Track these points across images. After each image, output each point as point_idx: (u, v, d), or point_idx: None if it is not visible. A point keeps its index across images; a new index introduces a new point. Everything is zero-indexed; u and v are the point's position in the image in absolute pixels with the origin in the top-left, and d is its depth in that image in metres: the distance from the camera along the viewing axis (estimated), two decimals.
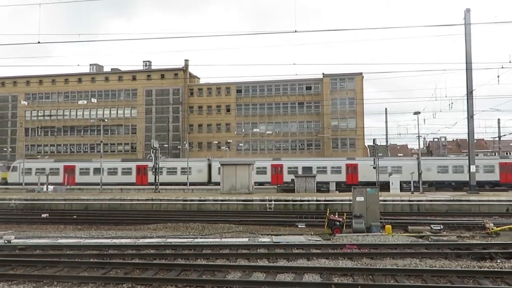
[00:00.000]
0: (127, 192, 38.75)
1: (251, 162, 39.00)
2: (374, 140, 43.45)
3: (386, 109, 68.50)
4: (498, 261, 11.52)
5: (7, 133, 78.49)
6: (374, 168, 39.92)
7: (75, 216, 24.21)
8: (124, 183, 47.01)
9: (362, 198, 17.26)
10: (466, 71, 33.31)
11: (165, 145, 66.57)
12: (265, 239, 15.30)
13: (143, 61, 77.46)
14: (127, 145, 74.57)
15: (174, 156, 67.55)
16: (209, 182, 48.33)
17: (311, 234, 16.68)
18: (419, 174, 36.63)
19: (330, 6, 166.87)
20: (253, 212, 25.82)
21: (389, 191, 35.19)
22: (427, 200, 26.54)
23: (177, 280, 9.58)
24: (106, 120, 61.55)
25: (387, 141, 66.66)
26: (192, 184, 45.27)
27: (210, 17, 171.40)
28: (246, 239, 15.46)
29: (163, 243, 14.40)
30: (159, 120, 73.74)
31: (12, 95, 78.01)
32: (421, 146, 57.72)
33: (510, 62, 27.06)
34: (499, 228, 16.73)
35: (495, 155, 69.41)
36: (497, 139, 63.52)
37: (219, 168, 45.47)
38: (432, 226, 17.27)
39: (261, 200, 27.68)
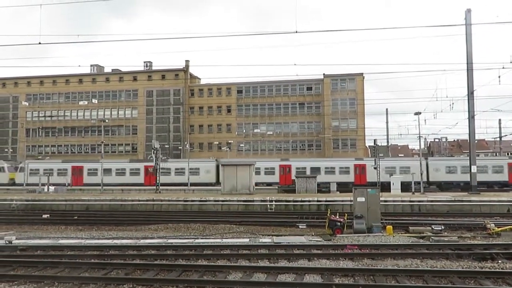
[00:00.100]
0: (128, 193, 38.74)
1: (252, 162, 38.98)
2: (375, 140, 43.41)
3: (387, 109, 68.59)
4: (499, 261, 11.50)
5: (8, 134, 78.57)
6: (375, 168, 39.88)
7: (76, 217, 24.24)
8: (132, 184, 46.90)
9: (363, 199, 17.25)
10: (467, 72, 33.29)
11: (165, 146, 66.59)
12: (266, 240, 15.29)
13: (144, 62, 77.54)
14: (128, 145, 74.61)
15: (175, 157, 67.56)
16: (217, 182, 48.20)
17: (312, 235, 16.68)
18: (421, 175, 36.56)
19: (330, 6, 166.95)
20: (254, 212, 25.82)
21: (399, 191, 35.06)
22: (428, 201, 26.51)
23: (178, 281, 9.58)
24: (106, 120, 61.61)
25: (388, 142, 66.65)
26: (200, 184, 45.20)
27: (210, 18, 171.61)
28: (247, 240, 15.45)
29: (164, 244, 14.41)
30: (159, 120, 73.77)
31: (13, 95, 78.10)
32: (422, 146, 57.61)
33: (511, 62, 27.03)
34: (500, 229, 16.71)
35: (496, 155, 69.33)
36: (498, 139, 63.52)
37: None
38: (433, 226, 17.25)
39: (262, 201, 27.67)
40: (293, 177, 45.83)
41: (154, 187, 42.47)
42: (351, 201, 21.64)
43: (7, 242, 14.35)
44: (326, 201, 27.03)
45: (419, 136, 40.61)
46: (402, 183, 40.48)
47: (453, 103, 37.69)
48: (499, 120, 62.88)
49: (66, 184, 46.35)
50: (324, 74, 69.74)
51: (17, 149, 76.07)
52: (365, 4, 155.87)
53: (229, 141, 68.46)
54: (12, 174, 52.57)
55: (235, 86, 72.45)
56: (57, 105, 77.00)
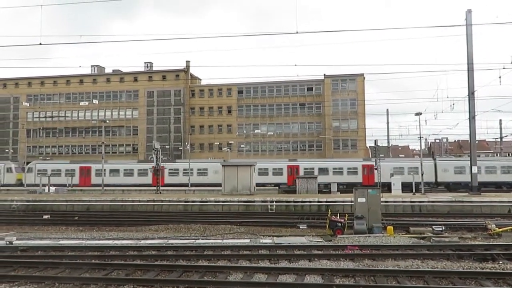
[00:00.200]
0: (129, 193, 38.76)
1: (253, 163, 38.99)
2: (375, 141, 43.37)
3: (387, 110, 68.64)
4: (500, 262, 11.49)
5: (8, 135, 78.63)
6: (376, 169, 39.85)
7: (77, 218, 24.24)
8: (140, 184, 46.84)
9: (363, 199, 17.24)
10: (468, 72, 33.29)
11: (166, 147, 66.60)
12: (267, 240, 15.28)
13: (145, 62, 77.59)
14: (129, 146, 74.64)
15: (176, 158, 67.57)
16: None
17: (313, 235, 16.67)
18: (421, 175, 36.54)
19: (331, 7, 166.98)
20: (254, 213, 25.81)
21: (411, 192, 35.02)
22: (428, 201, 26.49)
23: (178, 281, 9.58)
24: (107, 121, 61.62)
25: (388, 142, 66.67)
26: (209, 185, 45.15)
27: (211, 19, 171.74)
28: (248, 240, 15.45)
29: (164, 244, 14.41)
30: (160, 121, 73.80)
31: (13, 96, 78.16)
32: (423, 147, 57.54)
33: (511, 62, 27.01)
34: (501, 229, 16.69)
35: (496, 155, 69.28)
36: (499, 140, 63.47)
37: None
38: (433, 227, 17.22)
39: (262, 201, 27.67)
40: None
41: (162, 188, 42.55)
42: (351, 201, 21.63)
43: (7, 242, 14.36)
44: (326, 201, 27.02)
45: (420, 137, 40.65)
46: (410, 184, 40.56)
47: (453, 104, 37.74)
48: (500, 120, 62.88)
49: (67, 185, 46.34)
50: (324, 74, 69.75)
51: (17, 150, 76.13)
52: (365, 4, 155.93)
53: (230, 142, 68.44)
54: (20, 175, 52.52)
55: (236, 87, 72.46)
56: (57, 106, 77.05)
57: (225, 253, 12.80)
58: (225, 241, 15.34)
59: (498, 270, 10.49)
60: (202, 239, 15.96)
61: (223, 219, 21.99)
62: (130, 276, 10.27)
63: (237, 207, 27.75)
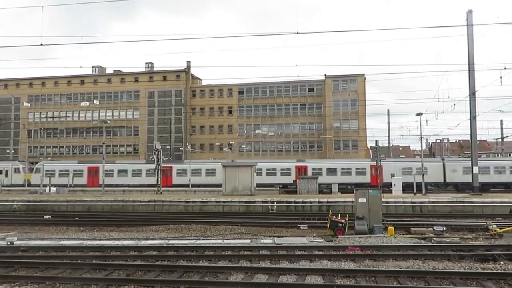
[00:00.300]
0: (129, 194, 38.78)
1: (253, 163, 39.00)
2: (376, 141, 43.35)
3: (388, 110, 68.64)
4: (501, 262, 11.47)
5: (10, 135, 78.74)
6: (377, 169, 39.86)
7: (77, 218, 24.24)
8: (148, 185, 46.82)
9: (364, 200, 17.21)
10: (469, 72, 33.26)
11: (167, 147, 66.65)
12: (267, 241, 15.27)
13: (145, 63, 77.73)
14: (129, 146, 74.69)
15: (176, 158, 67.60)
16: None
17: (314, 236, 16.65)
18: (422, 176, 36.51)
19: (331, 7, 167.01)
20: (255, 213, 25.79)
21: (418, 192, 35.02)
22: (429, 202, 26.45)
23: (179, 282, 9.58)
24: (108, 121, 61.62)
25: (389, 143, 66.66)
26: (216, 185, 45.16)
27: (211, 19, 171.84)
28: (248, 241, 15.44)
29: (165, 245, 14.40)
30: (161, 121, 73.86)
31: (15, 97, 78.27)
32: (424, 147, 57.54)
33: None
34: (502, 230, 16.66)
35: (497, 156, 69.21)
36: (500, 140, 63.42)
37: None
38: (434, 227, 17.20)
39: (263, 202, 27.65)
40: None
41: (170, 188, 42.52)
42: (352, 202, 21.63)
43: (8, 243, 14.37)
44: (327, 202, 27.00)
45: (421, 137, 40.63)
46: (418, 184, 40.46)
47: (454, 104, 37.73)
48: (501, 121, 62.90)
49: (68, 185, 46.38)
50: (325, 75, 69.75)
51: (18, 150, 76.21)
52: (365, 5, 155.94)
53: (231, 142, 68.48)
54: (27, 175, 52.48)
55: (237, 87, 72.49)
56: (58, 106, 77.15)
57: (226, 253, 12.80)
58: (225, 241, 15.32)
59: (499, 271, 10.47)
60: (202, 239, 15.96)
61: (223, 220, 21.97)
62: (131, 276, 10.27)
63: (238, 208, 27.74)
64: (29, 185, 49.85)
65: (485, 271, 10.43)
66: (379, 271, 10.41)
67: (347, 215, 18.01)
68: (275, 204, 27.07)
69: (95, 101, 71.90)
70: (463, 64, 33.84)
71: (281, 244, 14.35)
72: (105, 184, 46.93)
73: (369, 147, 69.45)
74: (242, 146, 70.40)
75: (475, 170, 33.35)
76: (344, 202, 26.51)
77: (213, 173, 47.73)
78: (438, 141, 69.69)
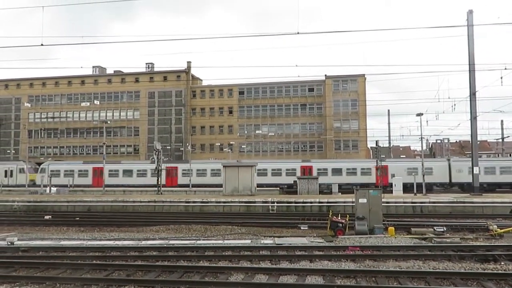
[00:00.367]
0: (130, 194, 38.79)
1: (254, 163, 39.00)
2: (376, 142, 43.48)
3: (388, 110, 68.72)
4: (502, 263, 11.46)
5: (10, 135, 78.77)
6: (377, 169, 39.85)
7: (78, 218, 24.25)
8: (153, 185, 46.84)
9: (364, 200, 17.20)
10: (469, 73, 33.26)
11: (167, 147, 66.63)
12: (268, 241, 15.26)
13: (146, 63, 77.74)
14: (130, 147, 74.69)
15: (177, 158, 67.62)
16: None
17: (314, 236, 16.64)
18: (423, 176, 36.50)
19: (331, 7, 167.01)
20: (255, 214, 25.79)
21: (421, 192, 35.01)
22: (430, 202, 26.44)
23: (179, 282, 9.58)
24: (108, 122, 61.66)
25: (389, 143, 66.67)
26: (221, 186, 45.12)
27: (211, 19, 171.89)
28: (249, 241, 15.43)
29: (165, 245, 14.40)
30: (161, 122, 73.88)
31: (15, 97, 78.31)
32: (424, 147, 57.54)
33: None
34: (502, 230, 16.65)
35: (498, 156, 69.19)
36: (500, 140, 63.41)
37: None
38: (435, 228, 17.19)
39: (263, 202, 27.65)
40: None
41: (174, 188, 42.44)
42: (352, 202, 21.62)
43: (9, 243, 14.37)
44: (327, 202, 26.99)
45: (421, 137, 40.63)
46: (422, 184, 40.33)
47: (455, 104, 37.71)
48: (501, 121, 62.87)
49: (68, 186, 46.37)
50: (325, 75, 69.73)
51: (19, 150, 76.22)
52: (366, 5, 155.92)
53: (231, 142, 68.48)
54: (32, 175, 52.40)
55: (237, 87, 72.50)
56: (59, 107, 77.19)
57: (226, 253, 12.80)
58: (226, 241, 15.32)
59: (500, 271, 10.46)
60: (203, 239, 15.96)
61: (224, 220, 21.98)
62: (131, 276, 10.27)
63: (238, 208, 27.74)
64: (34, 185, 49.78)
65: (486, 271, 10.43)
66: (380, 271, 10.41)
67: (348, 216, 18.00)
68: (276, 204, 27.06)
69: (95, 102, 71.92)
70: (464, 64, 33.86)
71: (282, 244, 14.35)
72: (111, 185, 47.07)
73: (369, 148, 69.46)
74: (243, 147, 70.39)
75: (476, 170, 33.37)
76: (344, 202, 26.51)
77: (219, 173, 47.68)
78: (439, 141, 69.71)
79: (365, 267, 11.03)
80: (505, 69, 27.88)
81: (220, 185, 43.39)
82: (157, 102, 74.62)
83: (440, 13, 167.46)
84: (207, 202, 28.39)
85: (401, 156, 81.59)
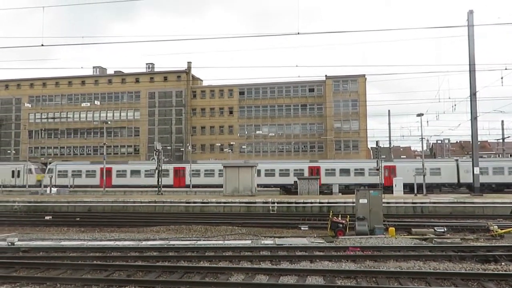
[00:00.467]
0: (130, 194, 38.79)
1: (254, 164, 39.00)
2: (377, 142, 43.36)
3: (389, 111, 68.85)
4: (503, 263, 11.45)
5: (10, 136, 78.83)
6: (378, 169, 39.81)
7: (78, 218, 24.26)
8: (161, 186, 46.81)
9: (365, 200, 17.19)
10: (470, 73, 33.26)
11: (168, 147, 66.65)
12: (268, 242, 15.25)
13: (146, 64, 77.78)
14: (130, 147, 74.74)
15: (177, 159, 67.64)
16: None
17: (314, 237, 16.63)
18: (423, 176, 36.48)
19: (332, 7, 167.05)
20: (256, 214, 25.78)
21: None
22: (430, 202, 26.43)
23: (180, 283, 9.58)
24: (109, 122, 61.66)
25: (390, 143, 66.64)
26: None
27: (211, 19, 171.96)
28: (249, 241, 15.42)
29: (166, 245, 14.40)
30: (162, 122, 73.91)
31: (15, 97, 78.36)
32: (425, 148, 57.50)
33: None
34: (503, 231, 16.64)
35: (498, 156, 69.17)
36: (501, 141, 63.39)
37: (257, 170, 45.77)
38: (435, 228, 17.18)
39: (264, 202, 27.64)
40: (322, 179, 45.27)
41: (184, 189, 42.35)
42: (353, 202, 21.61)
43: (9, 243, 14.38)
44: (328, 202, 26.98)
45: (422, 138, 40.59)
46: (431, 184, 40.30)
47: (455, 105, 37.73)
48: (502, 121, 62.92)
49: (68, 186, 46.37)
50: (326, 75, 69.74)
51: (19, 151, 76.27)
52: (366, 5, 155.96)
53: (231, 143, 68.50)
54: (39, 176, 52.31)
55: (237, 88, 72.53)
56: (59, 107, 77.24)
57: (227, 254, 12.79)
58: (226, 242, 15.31)
59: (500, 272, 10.45)
60: (203, 240, 15.95)
61: (224, 220, 21.97)
62: (132, 277, 10.27)
63: (239, 208, 27.73)
64: (41, 185, 49.56)
65: (486, 272, 10.42)
66: (380, 271, 10.41)
67: (348, 216, 17.98)
68: (276, 205, 27.04)
69: (95, 102, 71.96)
70: (464, 64, 33.88)
71: (282, 245, 14.34)
72: (119, 185, 47.10)
73: (369, 148, 69.44)
74: (243, 147, 70.41)
75: (476, 170, 33.37)
76: (344, 203, 26.50)
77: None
78: (439, 141, 69.70)
79: (365, 268, 11.03)
80: (506, 69, 27.90)
81: None
82: (157, 102, 74.65)
83: (440, 13, 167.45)
84: (208, 203, 28.39)
85: (402, 157, 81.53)
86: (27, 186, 49.01)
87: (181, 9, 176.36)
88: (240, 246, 14.03)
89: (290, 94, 71.45)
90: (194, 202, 28.82)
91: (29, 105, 73.17)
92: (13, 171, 53.36)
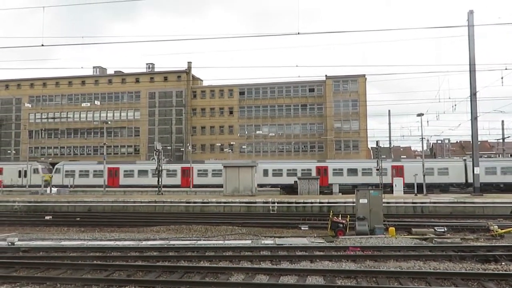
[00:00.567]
0: (130, 194, 38.80)
1: (254, 164, 39.01)
2: (377, 142, 43.33)
3: (389, 111, 68.86)
4: (503, 263, 11.45)
5: (11, 136, 78.83)
6: (378, 169, 39.79)
7: (78, 218, 24.27)
8: (168, 185, 46.51)
9: (365, 200, 17.19)
10: (470, 73, 33.25)
11: (168, 147, 66.66)
12: (268, 241, 15.25)
13: (146, 64, 77.78)
14: (130, 147, 74.74)
15: (177, 159, 67.63)
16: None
17: (314, 236, 16.63)
18: (423, 176, 36.47)
19: (332, 7, 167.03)
20: (256, 214, 25.78)
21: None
22: (430, 202, 26.44)
23: (180, 283, 9.58)
24: (109, 122, 61.66)
25: (390, 143, 66.66)
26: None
27: (211, 19, 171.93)
28: (249, 241, 15.42)
29: (166, 245, 14.40)
30: (162, 122, 73.91)
31: (16, 97, 78.36)
32: (425, 148, 57.49)
33: None
34: (503, 231, 16.63)
35: (499, 156, 69.19)
36: (501, 140, 63.39)
37: (264, 170, 45.86)
38: (436, 228, 17.18)
39: (264, 202, 27.65)
40: (329, 179, 45.21)
41: (192, 189, 42.34)
42: (353, 202, 21.61)
43: (9, 243, 14.38)
44: (328, 202, 26.99)
45: (422, 138, 40.59)
46: (439, 184, 40.07)
47: (455, 105, 37.72)
48: (502, 121, 62.84)
49: (69, 186, 46.37)
50: (326, 75, 69.72)
51: (19, 151, 76.28)
52: (366, 5, 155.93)
53: (232, 143, 68.50)
54: (48, 176, 52.20)
55: (237, 88, 72.52)
56: (59, 107, 77.25)
57: (227, 254, 12.79)
58: (226, 242, 15.31)
59: (500, 272, 10.45)
60: (203, 240, 15.95)
61: (224, 220, 21.98)
62: (132, 277, 10.27)
63: (239, 208, 27.74)
64: (48, 185, 49.36)
65: (487, 271, 10.42)
66: (380, 271, 10.41)
67: (348, 216, 17.99)
68: (276, 204, 27.06)
69: (96, 102, 71.93)
70: (464, 64, 33.87)
71: (282, 244, 14.34)
72: (126, 185, 47.11)
73: (370, 148, 69.42)
74: (243, 147, 70.41)
75: (476, 170, 33.36)
76: (345, 203, 26.51)
77: None
78: (439, 141, 69.69)
79: (365, 268, 11.02)
80: (506, 69, 27.91)
81: None
82: (157, 102, 74.66)
83: (441, 13, 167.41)
84: (208, 203, 28.40)
85: (402, 157, 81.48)
86: (27, 186, 48.97)
87: (181, 9, 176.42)
88: (240, 246, 14.03)
89: (290, 94, 71.44)
90: (194, 202, 28.83)
91: (29, 105, 73.18)
92: (19, 171, 53.30)
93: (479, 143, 37.02)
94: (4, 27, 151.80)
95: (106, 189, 42.88)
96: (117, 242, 15.29)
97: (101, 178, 48.24)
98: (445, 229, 17.04)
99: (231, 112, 72.86)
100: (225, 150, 68.07)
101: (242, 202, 28.31)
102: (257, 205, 27.65)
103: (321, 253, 12.73)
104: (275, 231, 18.48)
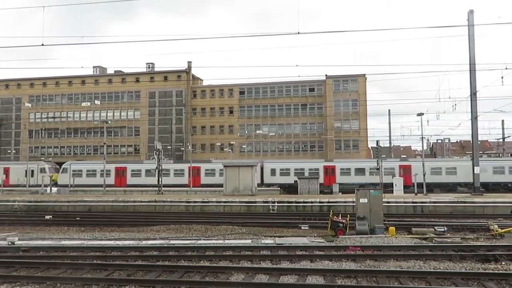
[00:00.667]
0: (130, 194, 38.81)
1: (254, 163, 39.01)
2: (377, 141, 43.35)
3: (389, 110, 68.69)
4: (503, 263, 11.45)
5: (11, 135, 78.82)
6: (378, 169, 39.78)
7: (78, 218, 24.27)
8: (176, 185, 46.49)
9: (365, 200, 17.19)
10: (470, 72, 33.24)
11: (168, 147, 66.66)
12: (268, 241, 15.26)
13: (146, 63, 77.77)
14: (130, 147, 74.73)
15: (177, 159, 67.61)
16: (262, 183, 47.24)
17: (314, 236, 16.64)
18: (423, 176, 36.45)
19: (332, 7, 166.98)
20: (256, 213, 25.79)
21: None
22: (430, 202, 26.43)
23: (180, 282, 9.58)
24: (109, 122, 61.62)
25: (390, 143, 66.69)
26: None
27: (212, 19, 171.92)
28: (249, 241, 15.43)
29: (166, 245, 14.40)
30: (162, 122, 73.89)
31: (16, 97, 78.34)
32: (425, 147, 57.52)
33: None
34: (503, 230, 16.63)
35: (499, 156, 69.18)
36: (501, 140, 63.37)
37: (271, 169, 46.11)
38: (436, 228, 17.19)
39: (264, 202, 27.65)
40: (337, 178, 45.11)
41: (200, 188, 42.38)
42: (353, 202, 21.61)
43: (9, 243, 14.38)
44: (328, 202, 26.99)
45: (422, 137, 40.56)
46: (447, 184, 39.94)
47: (456, 104, 37.72)
48: (502, 121, 62.94)
49: (69, 186, 46.35)
50: (326, 75, 69.70)
51: (19, 151, 76.28)
52: (366, 4, 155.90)
53: (232, 142, 68.48)
54: (55, 176, 52.12)
55: (237, 87, 72.50)
56: (59, 107, 77.23)
57: (227, 253, 12.79)
58: (226, 241, 15.32)
59: (500, 271, 10.45)
60: (203, 239, 15.95)
61: (224, 220, 21.98)
62: (132, 276, 10.27)
63: (239, 208, 27.75)
64: (55, 185, 49.22)
65: (487, 271, 10.42)
66: (380, 271, 10.40)
67: (348, 215, 17.99)
68: (276, 204, 27.05)
69: (96, 102, 71.91)
70: (464, 64, 33.87)
71: (282, 244, 14.34)
72: (133, 184, 47.08)
73: (370, 147, 69.41)
74: (243, 147, 70.39)
75: (476, 170, 33.35)
76: (345, 202, 26.51)
77: None
78: (439, 141, 69.69)
79: (365, 267, 11.02)
80: (506, 68, 27.89)
81: None
82: (157, 102, 74.63)
83: (440, 13, 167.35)
84: (208, 202, 28.40)
85: (402, 156, 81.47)
86: (27, 186, 48.95)
87: (181, 9, 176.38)
88: (240, 245, 14.03)
89: (290, 93, 71.41)
90: (195, 202, 28.83)
91: (29, 105, 73.15)
92: (26, 171, 53.23)
93: (479, 142, 37.01)
94: (4, 27, 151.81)
95: (111, 188, 42.96)
96: (117, 242, 15.29)
97: (108, 177, 48.29)
98: (445, 229, 17.05)
99: (231, 112, 72.84)
100: (225, 149, 68.05)
101: (242, 202, 28.31)
102: (257, 205, 27.65)
103: (321, 253, 12.74)
104: (275, 231, 18.48)
